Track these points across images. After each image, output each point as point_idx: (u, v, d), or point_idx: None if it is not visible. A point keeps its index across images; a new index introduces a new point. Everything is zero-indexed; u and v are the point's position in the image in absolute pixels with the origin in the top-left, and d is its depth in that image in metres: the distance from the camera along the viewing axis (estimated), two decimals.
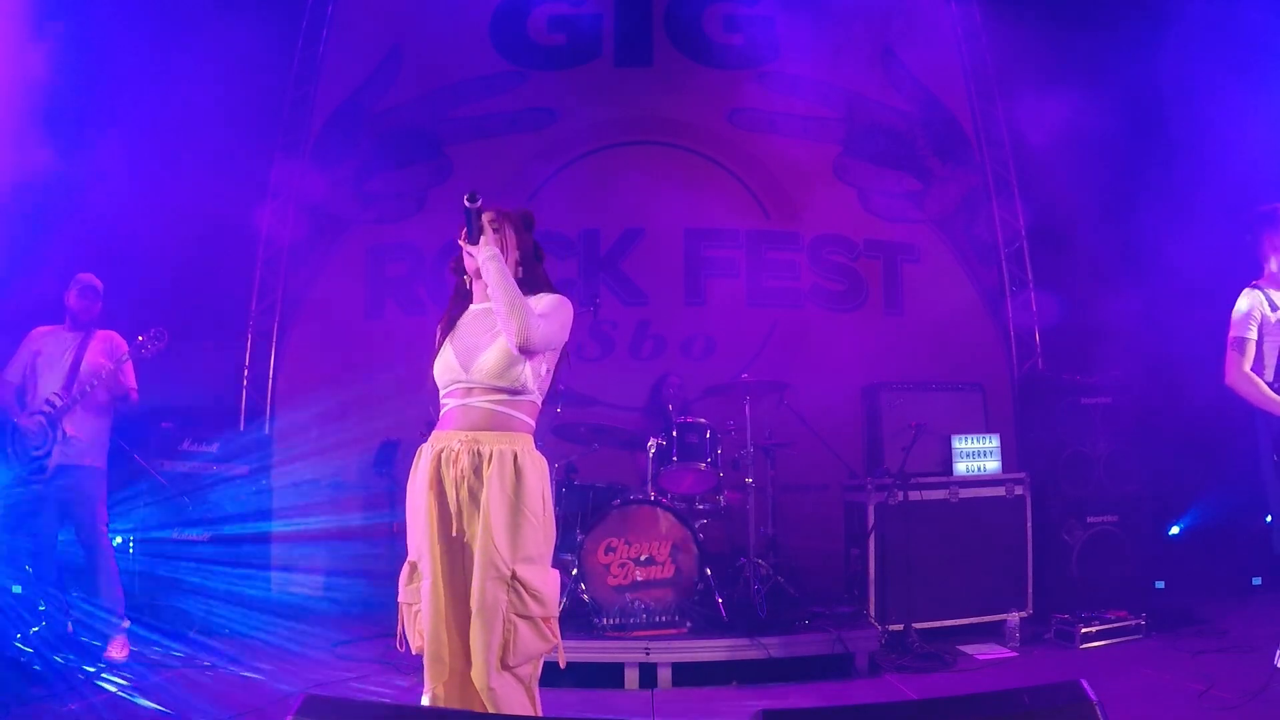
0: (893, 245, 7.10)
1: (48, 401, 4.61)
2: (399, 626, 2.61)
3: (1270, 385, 3.77)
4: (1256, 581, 5.67)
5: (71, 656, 4.51)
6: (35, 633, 4.76)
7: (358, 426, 6.29)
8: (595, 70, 7.17)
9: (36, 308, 5.11)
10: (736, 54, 7.20)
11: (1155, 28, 6.09)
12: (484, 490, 2.46)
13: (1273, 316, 3.79)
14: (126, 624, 4.73)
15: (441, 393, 2.67)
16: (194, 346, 5.30)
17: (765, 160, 7.10)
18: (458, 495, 2.50)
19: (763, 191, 7.06)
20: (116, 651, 4.59)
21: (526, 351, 2.52)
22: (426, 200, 7.03)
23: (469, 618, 2.44)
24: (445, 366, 2.63)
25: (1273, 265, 3.87)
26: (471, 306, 2.75)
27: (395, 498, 6.01)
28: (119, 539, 5.01)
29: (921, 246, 7.15)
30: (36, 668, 4.26)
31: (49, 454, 4.60)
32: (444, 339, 2.70)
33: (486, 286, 2.61)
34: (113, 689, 4.05)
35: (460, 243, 2.67)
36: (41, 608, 4.85)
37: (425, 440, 2.65)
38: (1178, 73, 5.85)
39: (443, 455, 2.53)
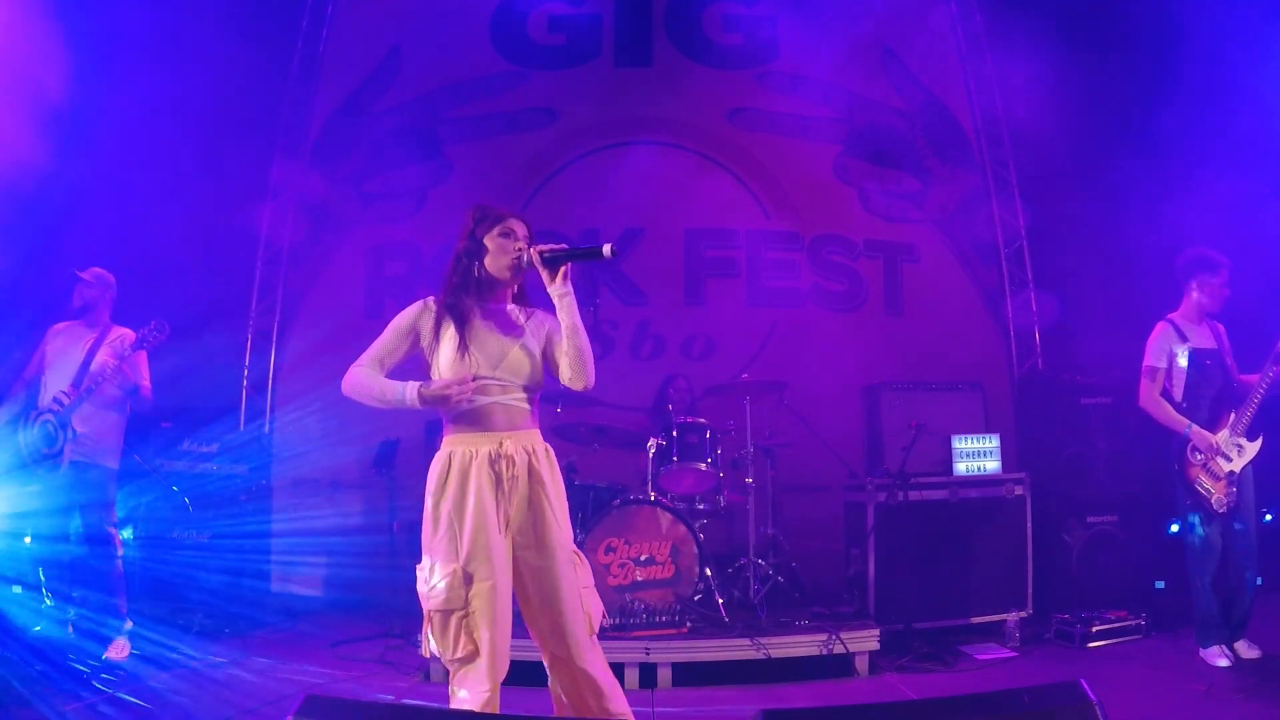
0: (893, 245, 7.11)
1: (56, 400, 4.62)
2: (427, 635, 2.60)
3: (1179, 405, 4.42)
4: (1258, 582, 5.68)
5: (72, 656, 4.51)
6: (36, 632, 4.76)
7: (358, 426, 6.28)
8: (595, 70, 7.17)
9: (39, 308, 5.12)
10: (736, 54, 7.20)
11: (1156, 28, 6.10)
12: (535, 485, 2.62)
13: (1182, 346, 4.44)
14: (128, 624, 4.73)
15: None
16: (194, 346, 5.29)
17: (765, 160, 7.10)
18: (511, 494, 2.59)
19: (763, 191, 7.07)
20: (117, 652, 4.59)
21: (585, 392, 2.74)
22: (426, 200, 7.03)
23: (509, 614, 2.58)
24: (469, 362, 2.64)
25: (1193, 303, 4.49)
26: (492, 306, 2.79)
27: (395, 497, 6.04)
28: (120, 536, 5.00)
29: (921, 246, 7.15)
30: (37, 667, 4.25)
31: (60, 451, 4.60)
32: (462, 333, 2.68)
33: (509, 289, 2.77)
34: (113, 689, 4.05)
35: (539, 251, 2.70)
36: (48, 602, 4.85)
37: (445, 438, 2.71)
38: (1180, 71, 5.85)
39: (491, 456, 2.59)
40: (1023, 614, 5.08)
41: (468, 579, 2.53)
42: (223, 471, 5.66)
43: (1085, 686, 1.52)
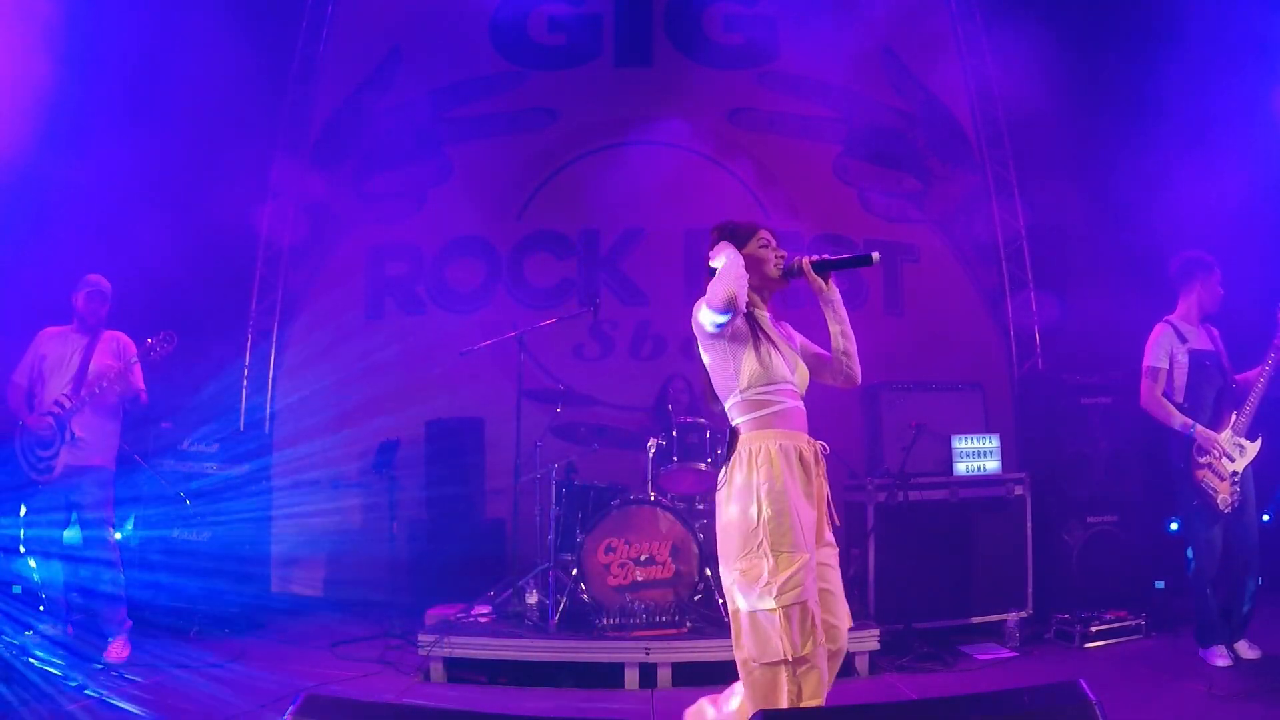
0: (893, 245, 7.10)
1: (56, 403, 4.61)
2: (785, 633, 2.53)
3: (1180, 406, 4.41)
4: (1258, 582, 5.69)
5: (72, 657, 4.51)
6: (35, 633, 4.76)
7: (358, 426, 6.29)
8: (595, 70, 7.17)
9: (39, 308, 5.11)
10: (736, 54, 7.19)
11: (1155, 27, 6.10)
12: (823, 483, 2.78)
13: (1182, 348, 4.44)
14: (127, 625, 4.73)
15: (763, 390, 2.73)
16: (194, 346, 5.29)
17: (765, 160, 7.10)
18: (817, 491, 2.75)
19: (763, 191, 7.06)
20: (117, 652, 4.59)
21: (854, 388, 2.97)
22: (426, 200, 7.03)
23: None
24: (779, 366, 2.77)
25: (1192, 304, 4.51)
26: (758, 313, 2.89)
27: (395, 497, 6.05)
28: (119, 535, 5.01)
29: (921, 246, 7.15)
30: (36, 668, 4.26)
31: (56, 454, 4.61)
32: (768, 339, 2.79)
33: (768, 300, 2.93)
34: (112, 690, 4.05)
35: (810, 261, 2.84)
36: (42, 608, 4.85)
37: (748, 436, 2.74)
38: (1179, 72, 5.85)
39: (802, 453, 2.74)
40: (1023, 614, 5.08)
41: (813, 569, 2.61)
42: (223, 471, 5.66)
43: (1085, 686, 1.53)
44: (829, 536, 2.78)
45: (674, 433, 5.13)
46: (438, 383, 6.32)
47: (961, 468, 5.43)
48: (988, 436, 5.52)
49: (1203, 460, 4.33)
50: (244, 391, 6.75)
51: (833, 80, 7.06)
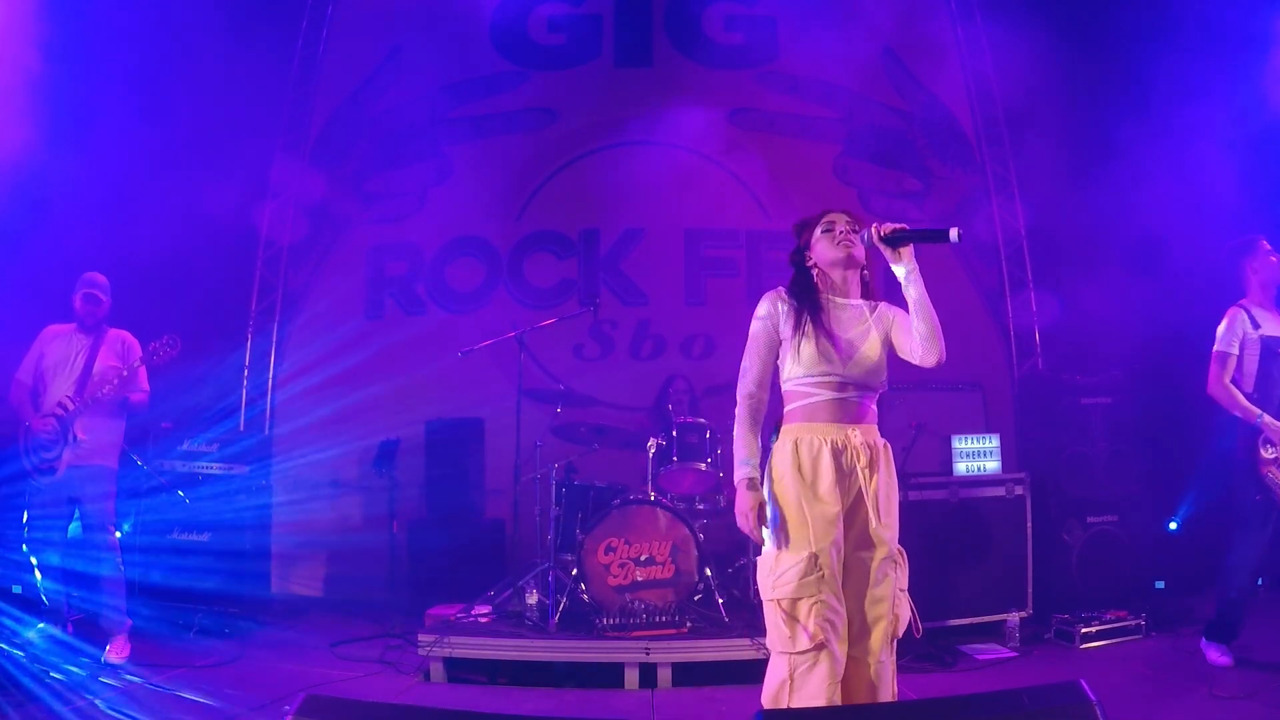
0: None
1: (60, 404, 4.61)
2: (775, 625, 2.60)
3: (1249, 395, 4.23)
4: (1258, 581, 5.70)
5: (72, 657, 4.51)
6: (35, 633, 4.76)
7: (358, 426, 6.29)
8: (595, 70, 7.17)
9: (39, 306, 5.12)
10: (736, 54, 7.19)
11: (1155, 27, 6.10)
12: (874, 480, 2.66)
13: (1253, 334, 4.26)
14: (128, 624, 4.73)
15: (800, 382, 2.74)
16: (194, 346, 5.29)
17: (765, 160, 7.09)
18: (852, 486, 2.65)
19: (763, 191, 7.06)
20: (117, 651, 4.59)
21: (937, 366, 2.76)
22: (426, 200, 7.03)
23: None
24: (823, 357, 2.71)
25: (1255, 287, 4.36)
26: (830, 299, 2.84)
27: (395, 497, 6.06)
28: (119, 534, 5.01)
29: (921, 246, 7.12)
30: (36, 668, 4.26)
31: (59, 455, 4.61)
32: (817, 328, 2.74)
33: (855, 280, 2.87)
34: (113, 689, 4.05)
35: (878, 230, 2.75)
36: (43, 608, 4.85)
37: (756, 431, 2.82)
38: (1180, 69, 5.86)
39: (837, 446, 2.66)
40: (1023, 614, 5.08)
41: (818, 566, 2.56)
42: (223, 471, 5.66)
43: (1085, 686, 1.53)
44: (881, 536, 2.67)
45: (674, 433, 5.13)
46: (438, 383, 6.32)
47: (961, 468, 5.43)
48: (988, 436, 5.52)
49: (1268, 454, 4.14)
50: (244, 392, 6.74)
51: (833, 80, 7.05)
